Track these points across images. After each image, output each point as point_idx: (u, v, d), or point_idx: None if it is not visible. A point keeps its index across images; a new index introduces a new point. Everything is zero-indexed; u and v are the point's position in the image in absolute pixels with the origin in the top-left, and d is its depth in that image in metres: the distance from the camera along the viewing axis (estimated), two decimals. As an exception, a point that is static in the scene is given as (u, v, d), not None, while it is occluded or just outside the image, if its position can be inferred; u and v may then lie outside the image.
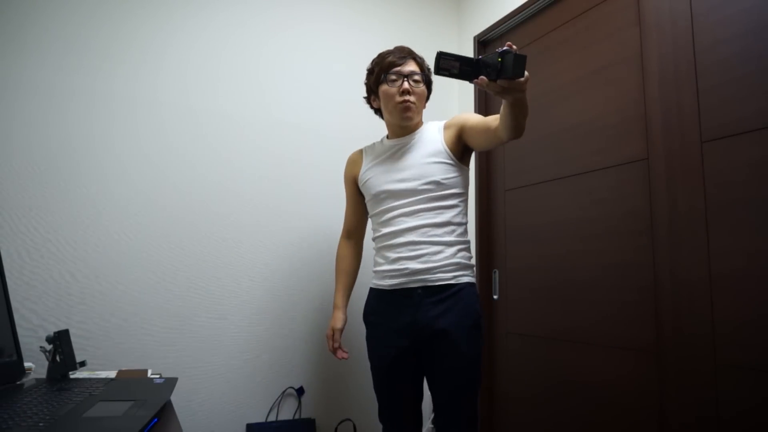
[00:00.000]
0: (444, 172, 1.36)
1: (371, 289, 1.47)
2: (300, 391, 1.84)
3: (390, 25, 2.22)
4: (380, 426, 1.99)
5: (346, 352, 1.56)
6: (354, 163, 1.58)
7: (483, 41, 2.24)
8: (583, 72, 1.71)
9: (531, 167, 1.91)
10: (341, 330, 1.56)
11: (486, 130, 1.27)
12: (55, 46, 1.57)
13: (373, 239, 1.49)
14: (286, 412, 1.81)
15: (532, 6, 1.94)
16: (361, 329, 1.56)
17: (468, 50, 2.30)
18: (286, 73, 1.96)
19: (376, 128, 2.01)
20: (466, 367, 1.30)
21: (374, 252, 1.49)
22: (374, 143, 1.56)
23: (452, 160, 1.38)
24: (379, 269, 1.43)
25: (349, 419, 1.92)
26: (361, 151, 1.58)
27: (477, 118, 1.35)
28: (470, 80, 0.98)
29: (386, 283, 1.39)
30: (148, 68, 1.70)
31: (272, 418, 1.78)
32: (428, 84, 1.46)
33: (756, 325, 1.20)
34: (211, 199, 1.76)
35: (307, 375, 1.87)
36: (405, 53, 1.43)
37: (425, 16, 2.33)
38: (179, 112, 1.74)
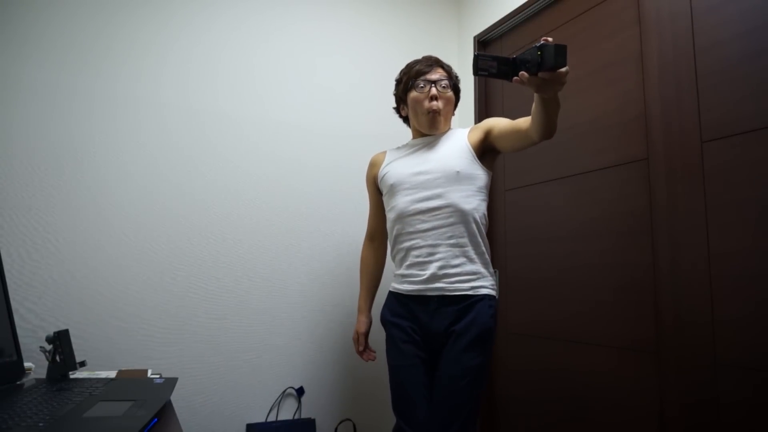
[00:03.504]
0: (464, 165, 1.36)
1: (390, 292, 1.47)
2: (300, 391, 1.84)
3: (390, 25, 2.22)
4: (380, 426, 2.00)
5: (374, 352, 1.58)
6: (375, 164, 1.58)
7: (483, 41, 2.24)
8: (583, 72, 1.71)
9: (531, 167, 1.91)
10: (365, 333, 1.58)
11: (516, 132, 1.27)
12: (56, 47, 1.57)
13: (389, 238, 1.48)
14: (286, 412, 1.81)
15: (532, 6, 1.94)
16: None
17: (468, 50, 2.30)
18: (287, 73, 1.96)
19: (377, 127, 2.01)
20: (460, 379, 1.26)
21: (390, 248, 1.48)
22: (399, 147, 1.58)
23: (474, 158, 1.38)
24: (397, 272, 1.43)
25: (349, 419, 1.92)
26: (384, 152, 1.59)
27: (505, 121, 1.35)
28: (508, 79, 0.99)
29: (404, 287, 1.38)
30: (149, 68, 1.70)
31: (272, 418, 1.78)
32: (456, 91, 1.48)
33: (756, 324, 1.20)
34: (211, 199, 1.76)
35: (307, 375, 1.87)
36: (432, 62, 1.45)
37: (425, 17, 2.33)
38: (180, 112, 1.74)
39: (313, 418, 1.84)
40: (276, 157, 1.90)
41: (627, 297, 1.51)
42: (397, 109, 1.57)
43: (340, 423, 1.90)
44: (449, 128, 1.50)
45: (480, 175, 1.39)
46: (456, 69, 2.37)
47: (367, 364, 1.90)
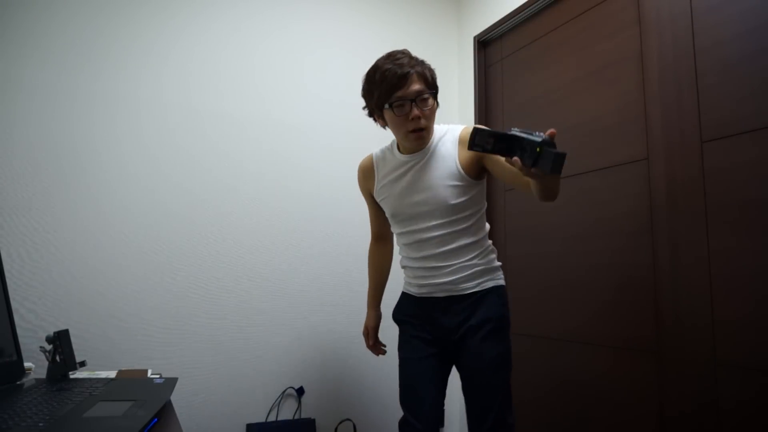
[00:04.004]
0: (458, 195, 1.29)
1: (403, 292, 1.47)
2: (300, 391, 1.84)
3: (390, 25, 2.22)
4: (380, 426, 2.00)
5: (384, 346, 1.58)
6: (367, 175, 1.48)
7: (483, 41, 2.24)
8: (583, 72, 1.71)
9: (531, 167, 1.91)
10: (375, 327, 1.58)
11: (516, 179, 1.18)
12: (57, 47, 1.57)
13: (399, 250, 1.46)
14: (286, 412, 1.81)
15: (532, 6, 1.94)
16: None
17: (468, 50, 2.30)
18: (287, 73, 1.96)
19: (378, 127, 2.01)
20: (485, 370, 1.29)
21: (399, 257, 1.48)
22: (384, 152, 1.44)
23: (466, 181, 1.30)
24: (406, 279, 1.45)
25: (349, 419, 1.92)
26: (371, 161, 1.47)
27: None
28: (503, 156, 0.96)
29: (414, 291, 1.40)
30: (150, 68, 1.70)
31: (272, 418, 1.78)
32: (436, 94, 1.31)
33: (756, 324, 1.20)
34: (211, 199, 1.76)
35: (307, 375, 1.87)
36: (405, 66, 1.23)
37: (425, 17, 2.33)
38: (181, 112, 1.74)
39: (313, 418, 1.84)
40: (277, 157, 1.90)
41: (627, 297, 1.51)
42: (370, 115, 1.37)
43: (340, 423, 1.90)
44: (432, 134, 1.35)
45: (471, 197, 1.32)
46: (456, 69, 2.40)
47: (368, 364, 1.90)
